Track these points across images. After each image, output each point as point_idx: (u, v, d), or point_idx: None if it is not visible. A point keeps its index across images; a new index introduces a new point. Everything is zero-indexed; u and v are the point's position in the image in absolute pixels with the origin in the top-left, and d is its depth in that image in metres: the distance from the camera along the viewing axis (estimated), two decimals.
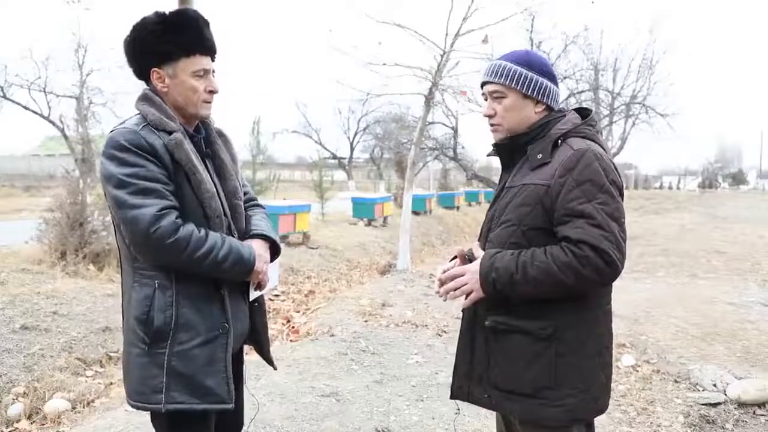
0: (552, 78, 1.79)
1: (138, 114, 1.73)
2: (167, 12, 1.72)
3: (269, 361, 2.06)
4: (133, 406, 1.70)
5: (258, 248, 1.82)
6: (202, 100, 1.76)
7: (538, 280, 1.60)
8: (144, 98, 1.75)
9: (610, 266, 1.57)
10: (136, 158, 1.61)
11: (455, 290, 1.76)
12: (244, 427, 2.05)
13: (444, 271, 1.83)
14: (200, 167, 1.72)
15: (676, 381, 4.16)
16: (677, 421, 3.50)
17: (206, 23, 1.77)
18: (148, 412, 1.74)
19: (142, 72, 1.76)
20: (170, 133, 1.68)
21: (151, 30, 1.69)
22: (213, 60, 1.80)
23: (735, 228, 16.98)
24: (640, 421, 3.51)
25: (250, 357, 2.09)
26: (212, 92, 1.78)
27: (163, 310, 1.64)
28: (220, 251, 1.66)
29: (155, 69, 1.72)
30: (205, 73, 1.75)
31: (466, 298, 1.75)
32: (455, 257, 1.87)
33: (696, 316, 6.05)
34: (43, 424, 3.60)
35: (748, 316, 6.09)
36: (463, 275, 1.74)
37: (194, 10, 1.77)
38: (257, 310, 1.96)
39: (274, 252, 1.93)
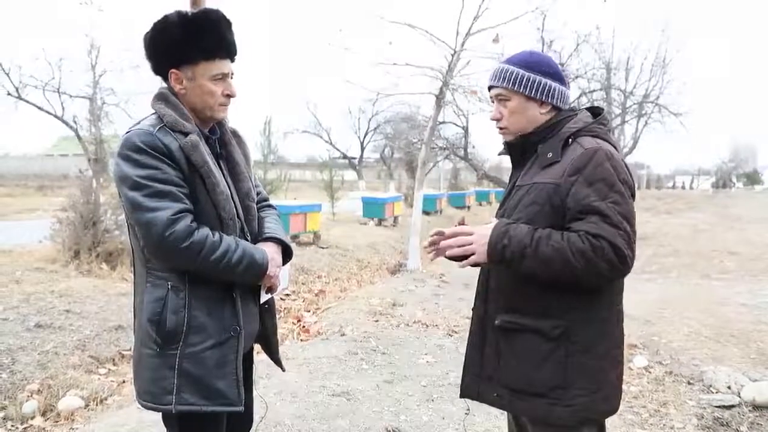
0: (557, 77, 1.77)
1: (154, 114, 1.72)
2: (189, 13, 1.69)
3: (277, 363, 2.06)
4: (143, 406, 1.71)
5: (270, 252, 1.81)
6: (219, 103, 1.75)
7: (548, 259, 1.58)
8: (160, 98, 1.74)
9: (622, 263, 1.56)
10: (151, 160, 1.61)
11: (457, 247, 1.70)
12: (254, 427, 2.06)
13: (438, 233, 1.78)
14: (215, 169, 1.72)
15: (689, 383, 4.12)
16: (690, 423, 3.47)
17: (229, 24, 1.75)
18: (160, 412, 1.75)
19: (159, 70, 1.75)
20: (186, 134, 1.67)
21: (172, 31, 1.67)
22: (233, 61, 1.78)
23: (749, 228, 16.80)
24: (652, 423, 3.48)
25: (261, 356, 2.10)
26: (230, 96, 1.77)
27: (175, 312, 1.64)
28: (234, 255, 1.67)
29: (173, 70, 1.71)
30: (224, 76, 1.74)
31: (463, 260, 1.70)
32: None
33: (709, 317, 5.99)
34: (57, 422, 3.64)
35: (762, 317, 6.02)
36: (470, 234, 1.70)
37: (217, 11, 1.73)
38: (267, 312, 1.96)
39: (286, 255, 1.93)
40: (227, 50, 1.74)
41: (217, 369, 1.68)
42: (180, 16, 1.68)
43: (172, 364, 1.64)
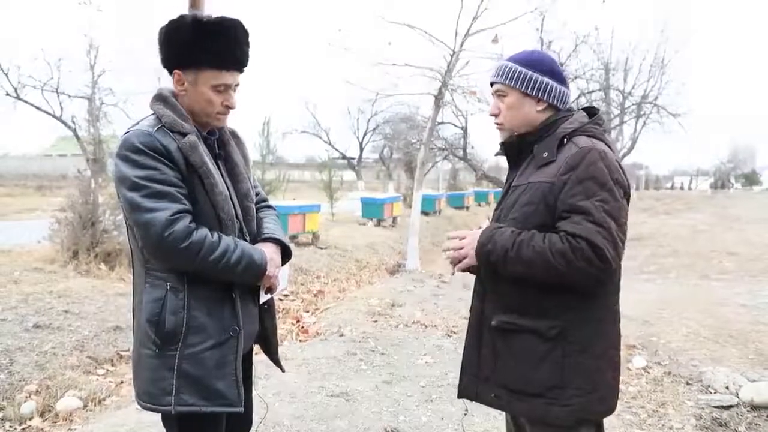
0: (556, 77, 1.79)
1: (153, 114, 1.72)
2: (205, 19, 1.66)
3: (277, 363, 2.06)
4: (143, 407, 1.71)
5: (269, 252, 1.81)
6: (216, 112, 1.74)
7: (530, 262, 1.62)
8: (159, 98, 1.73)
9: (603, 262, 1.57)
10: (150, 161, 1.60)
11: (453, 251, 1.84)
12: (253, 427, 2.06)
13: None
14: (214, 170, 1.72)
15: (687, 383, 4.13)
16: (689, 423, 3.47)
17: (243, 35, 1.72)
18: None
19: (166, 65, 1.73)
20: (184, 135, 1.67)
21: (184, 32, 1.65)
22: (242, 72, 1.76)
23: (748, 229, 16.82)
24: (651, 423, 3.48)
25: (260, 357, 2.10)
26: (228, 107, 1.75)
27: (174, 312, 1.64)
28: (233, 256, 1.66)
29: (177, 70, 1.70)
30: (226, 88, 1.71)
31: (460, 263, 1.84)
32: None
33: (708, 318, 5.99)
34: (55, 422, 3.64)
35: (761, 317, 6.03)
36: (463, 239, 1.82)
37: (233, 20, 1.70)
38: (267, 312, 1.96)
39: (285, 255, 1.93)
40: (235, 62, 1.71)
41: (216, 369, 1.68)
42: (195, 19, 1.66)
43: (171, 364, 1.64)
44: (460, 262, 1.83)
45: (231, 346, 1.71)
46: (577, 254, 1.56)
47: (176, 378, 1.64)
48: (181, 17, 1.68)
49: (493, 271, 1.73)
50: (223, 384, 1.69)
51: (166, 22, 1.70)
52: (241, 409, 1.73)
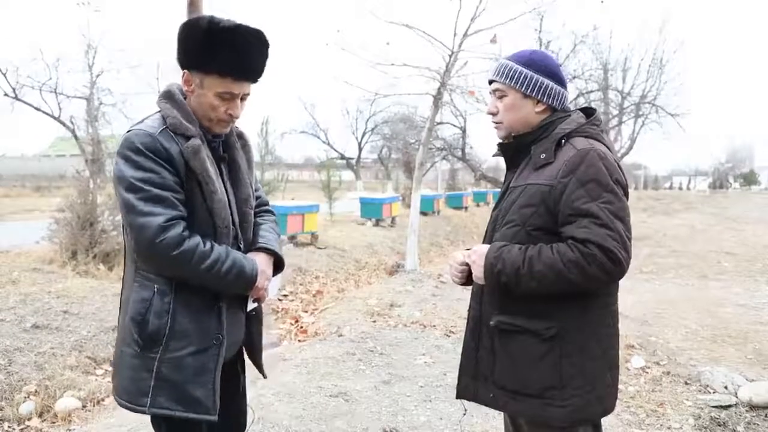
0: (556, 78, 1.78)
1: (158, 113, 1.69)
2: (220, 24, 1.60)
3: (260, 369, 2.03)
4: (119, 403, 1.70)
5: (261, 263, 1.79)
6: (218, 119, 1.70)
7: (543, 276, 1.60)
8: (166, 96, 1.70)
9: (616, 265, 1.56)
10: (150, 163, 1.58)
11: (458, 274, 1.86)
12: (247, 430, 2.05)
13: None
14: (214, 176, 1.68)
15: (686, 383, 4.13)
16: (687, 423, 3.47)
17: (260, 46, 1.67)
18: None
19: (179, 62, 1.69)
20: (188, 138, 1.64)
21: (197, 34, 1.61)
22: (254, 82, 1.71)
23: (746, 229, 16.85)
24: (649, 423, 3.48)
25: None
26: (232, 116, 1.71)
27: (159, 315, 1.62)
28: (224, 265, 1.64)
29: (186, 70, 1.66)
30: (232, 96, 1.67)
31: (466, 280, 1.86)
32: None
33: (706, 318, 6.01)
34: (54, 422, 3.63)
35: (759, 317, 6.04)
36: (466, 258, 1.82)
37: (250, 29, 1.65)
38: (254, 318, 1.93)
39: (278, 266, 1.90)
40: (243, 72, 1.67)
41: (195, 376, 1.66)
42: (211, 23, 1.61)
43: (151, 366, 1.63)
44: (466, 282, 1.84)
45: (212, 355, 1.69)
46: (590, 261, 1.55)
47: (154, 380, 1.63)
48: (199, 18, 1.64)
49: (506, 289, 1.70)
50: (201, 391, 1.67)
51: (186, 20, 1.67)
52: (215, 418, 1.70)
